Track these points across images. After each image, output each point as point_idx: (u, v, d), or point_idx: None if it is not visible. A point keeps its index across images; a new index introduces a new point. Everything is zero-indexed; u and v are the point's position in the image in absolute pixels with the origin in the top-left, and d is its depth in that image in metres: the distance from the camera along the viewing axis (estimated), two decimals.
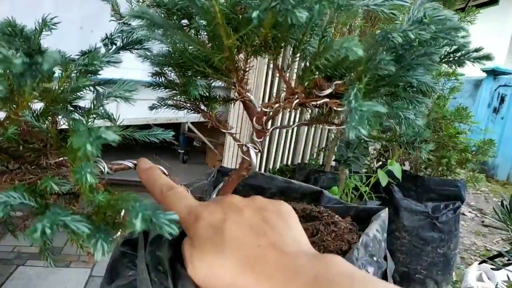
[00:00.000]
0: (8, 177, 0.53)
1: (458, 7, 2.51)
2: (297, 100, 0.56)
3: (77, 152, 0.42)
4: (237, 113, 2.95)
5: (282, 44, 0.53)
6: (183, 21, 0.69)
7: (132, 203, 0.40)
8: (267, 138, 3.03)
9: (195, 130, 3.67)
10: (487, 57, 0.60)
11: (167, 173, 0.67)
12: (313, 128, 3.23)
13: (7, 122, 0.46)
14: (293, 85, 0.57)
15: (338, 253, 0.62)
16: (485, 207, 4.72)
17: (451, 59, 0.61)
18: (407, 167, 2.53)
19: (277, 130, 3.03)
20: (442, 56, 0.60)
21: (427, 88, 0.52)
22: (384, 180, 1.87)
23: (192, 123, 3.62)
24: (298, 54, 0.55)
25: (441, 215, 2.01)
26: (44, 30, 0.51)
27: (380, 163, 2.35)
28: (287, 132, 3.22)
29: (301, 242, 0.37)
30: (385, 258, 0.65)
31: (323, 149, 2.86)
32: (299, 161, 3.17)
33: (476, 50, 0.54)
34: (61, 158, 0.54)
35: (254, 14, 0.41)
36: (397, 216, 2.04)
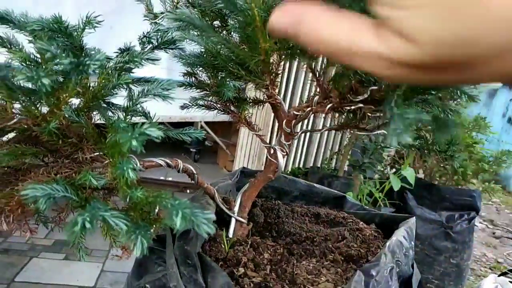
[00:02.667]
0: (44, 170, 0.54)
1: None
2: (331, 105, 0.56)
3: (118, 147, 0.43)
4: (254, 114, 2.96)
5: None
6: (215, 22, 0.70)
7: (171, 201, 0.41)
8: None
9: (208, 130, 3.68)
10: None
11: (195, 172, 0.67)
12: (326, 131, 3.22)
13: (50, 116, 0.47)
14: (326, 89, 0.57)
15: (365, 260, 0.62)
16: (496, 218, 4.64)
17: None
18: (421, 175, 2.50)
19: None
20: None
21: (467, 97, 0.52)
22: (396, 185, 1.85)
23: (205, 122, 3.64)
24: None
25: (455, 225, 1.98)
26: (86, 27, 0.52)
27: (394, 169, 2.33)
28: (299, 134, 3.22)
29: None
30: (412, 267, 0.64)
31: (337, 153, 2.85)
32: (312, 164, 3.16)
33: None
34: (97, 153, 0.55)
35: None
36: None
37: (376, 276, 0.55)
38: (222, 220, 0.72)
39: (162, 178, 3.54)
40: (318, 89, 0.58)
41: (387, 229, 0.75)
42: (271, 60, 0.62)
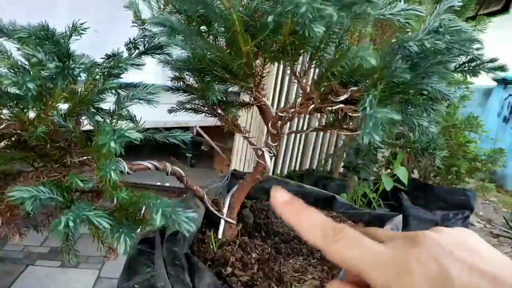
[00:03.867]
0: (34, 175, 0.55)
1: (468, 16, 2.52)
2: (313, 106, 0.58)
3: (101, 150, 0.44)
4: (245, 117, 2.97)
5: (300, 51, 0.55)
6: (202, 27, 0.71)
7: (153, 200, 0.42)
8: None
9: (204, 134, 3.69)
10: (502, 68, 0.62)
11: (183, 175, 0.69)
12: (321, 133, 3.23)
13: (37, 121, 0.48)
14: (308, 90, 0.58)
15: None
16: (494, 218, 4.66)
17: (465, 68, 0.62)
18: (416, 175, 2.52)
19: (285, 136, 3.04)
20: (457, 66, 0.61)
21: (442, 96, 0.53)
22: (388, 185, 1.87)
23: (200, 127, 3.65)
24: (315, 61, 0.56)
25: (450, 224, 2.00)
26: (73, 34, 0.53)
27: (389, 170, 2.34)
28: (295, 137, 3.23)
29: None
30: None
31: (332, 155, 2.86)
32: (307, 167, 3.17)
33: (491, 61, 0.55)
34: (85, 157, 0.56)
35: (270, 18, 0.43)
36: (405, 224, 2.02)
37: None
38: (212, 222, 0.73)
39: (159, 183, 3.54)
40: (301, 91, 0.59)
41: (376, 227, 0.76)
42: (256, 63, 0.64)
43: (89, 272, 2.03)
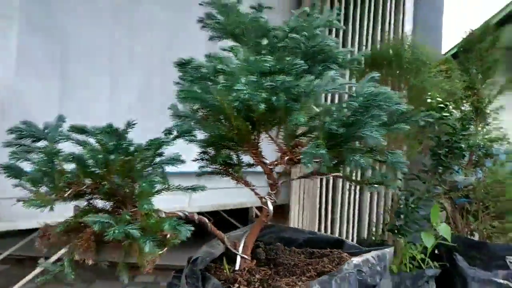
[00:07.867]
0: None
1: None
2: (287, 157, 0.80)
3: (141, 196, 0.69)
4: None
5: (271, 122, 0.80)
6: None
7: (167, 219, 0.66)
8: (330, 204, 3.09)
9: (258, 213, 3.88)
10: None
11: (207, 222, 0.91)
12: (375, 202, 3.24)
13: (103, 182, 0.77)
14: (283, 147, 0.81)
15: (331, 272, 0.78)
16: None
17: (406, 119, 0.82)
18: (476, 237, 2.42)
19: (340, 198, 3.11)
20: (396, 119, 0.81)
21: (374, 141, 0.73)
22: (428, 242, 1.86)
23: (256, 207, 3.87)
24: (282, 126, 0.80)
25: None
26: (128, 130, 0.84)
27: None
28: (349, 202, 3.26)
29: None
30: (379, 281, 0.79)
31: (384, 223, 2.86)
32: (366, 233, 3.14)
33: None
34: (135, 209, 0.83)
35: (236, 103, 0.70)
36: (464, 287, 1.94)
37: (338, 275, 0.72)
38: (232, 260, 0.93)
39: None
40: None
41: None
42: (253, 133, 0.89)
43: None
